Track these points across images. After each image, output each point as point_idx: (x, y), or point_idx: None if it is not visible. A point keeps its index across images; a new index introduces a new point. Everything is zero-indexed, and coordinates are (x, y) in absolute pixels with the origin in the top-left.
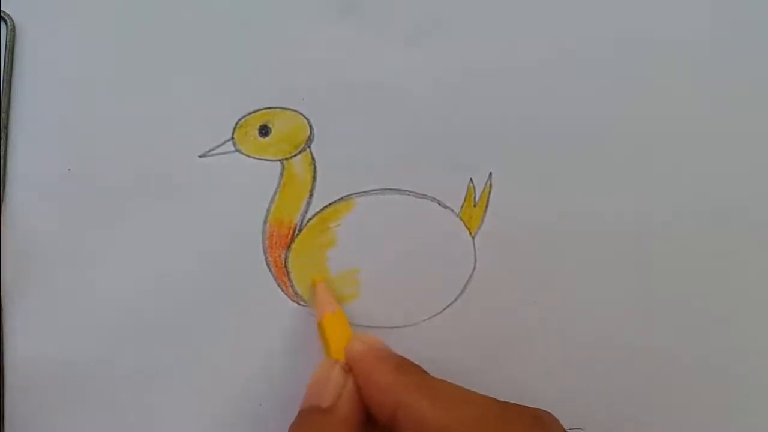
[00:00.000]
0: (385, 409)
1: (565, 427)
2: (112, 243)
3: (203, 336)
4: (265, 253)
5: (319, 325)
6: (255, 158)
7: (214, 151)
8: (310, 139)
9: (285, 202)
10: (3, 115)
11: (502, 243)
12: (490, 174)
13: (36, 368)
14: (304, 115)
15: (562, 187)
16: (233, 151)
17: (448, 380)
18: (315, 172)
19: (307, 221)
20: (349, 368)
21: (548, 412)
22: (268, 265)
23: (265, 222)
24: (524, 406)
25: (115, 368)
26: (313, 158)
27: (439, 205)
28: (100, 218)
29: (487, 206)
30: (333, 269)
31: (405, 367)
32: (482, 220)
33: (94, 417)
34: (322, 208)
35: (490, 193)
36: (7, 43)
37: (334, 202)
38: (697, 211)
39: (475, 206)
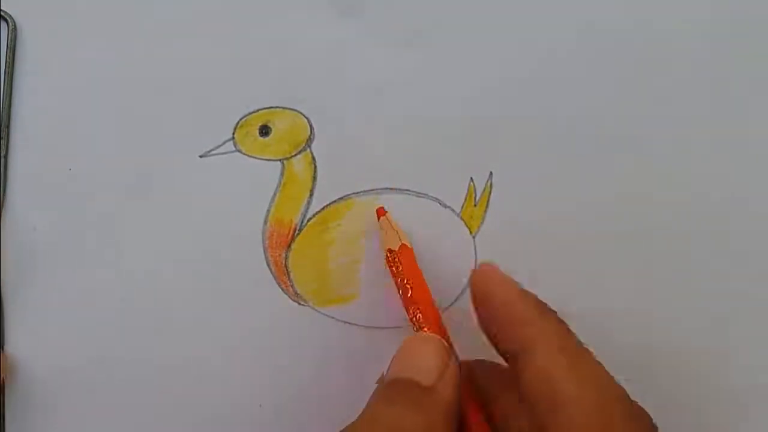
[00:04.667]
0: (514, 345)
1: None
2: (112, 243)
3: (203, 335)
4: (265, 253)
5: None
6: (255, 158)
7: (215, 151)
8: (310, 139)
9: (285, 201)
10: (3, 115)
11: (503, 243)
12: (491, 174)
13: (36, 367)
14: (304, 115)
15: (562, 187)
16: (233, 151)
17: None
18: (315, 171)
19: (308, 221)
20: (450, 347)
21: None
22: (268, 265)
23: (265, 222)
24: (644, 410)
25: (114, 368)
26: (313, 158)
27: (440, 204)
28: (100, 218)
29: (487, 206)
30: (333, 269)
31: (546, 307)
32: (483, 220)
33: (93, 417)
34: (322, 208)
35: (490, 192)
36: (8, 43)
37: (334, 201)
38: (698, 210)
39: (475, 206)
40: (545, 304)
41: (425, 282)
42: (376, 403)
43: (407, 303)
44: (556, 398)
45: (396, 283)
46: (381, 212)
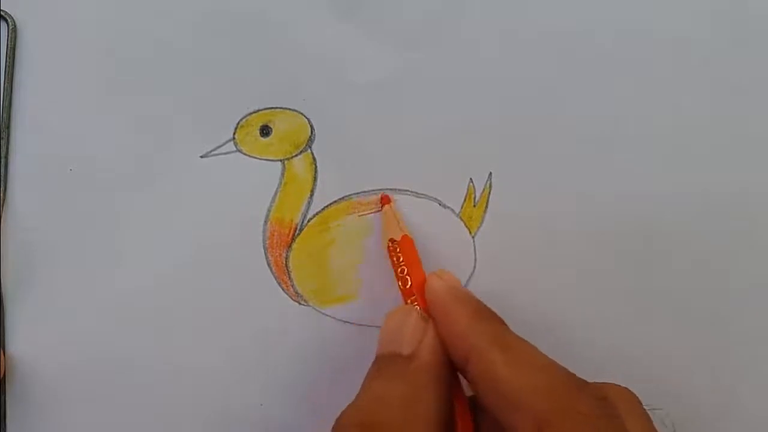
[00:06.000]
0: (459, 353)
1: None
2: (113, 243)
3: (203, 335)
4: (265, 253)
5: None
6: (256, 158)
7: (216, 152)
8: (311, 139)
9: (286, 201)
10: (3, 115)
11: (502, 243)
12: (490, 174)
13: (37, 368)
14: (304, 115)
15: (562, 187)
16: (234, 152)
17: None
18: (316, 172)
19: (308, 221)
20: (428, 315)
21: (625, 390)
22: (268, 265)
23: (265, 222)
24: (597, 385)
25: (114, 368)
26: (314, 158)
27: (439, 205)
28: (101, 218)
29: (487, 206)
30: (333, 269)
31: (483, 313)
32: (482, 220)
33: (94, 417)
34: (323, 208)
35: (490, 193)
36: (8, 43)
37: (335, 202)
38: (697, 210)
39: (475, 206)
40: (481, 309)
41: (425, 273)
42: (366, 381)
43: (405, 293)
44: (501, 390)
45: (396, 273)
46: (386, 200)
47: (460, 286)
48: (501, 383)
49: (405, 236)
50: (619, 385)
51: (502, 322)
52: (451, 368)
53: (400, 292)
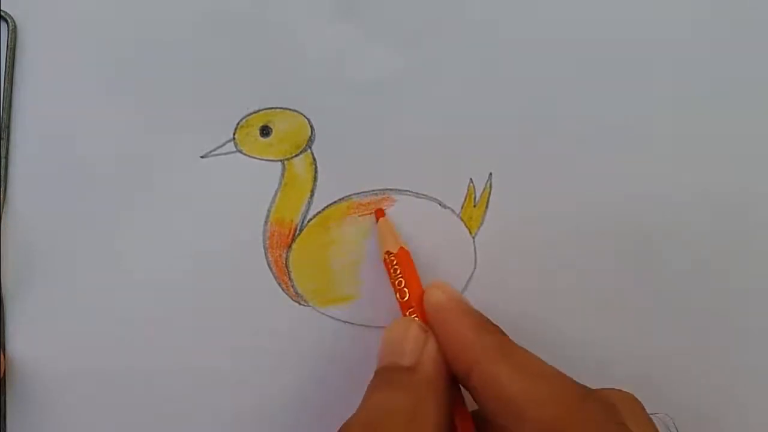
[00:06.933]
0: (462, 365)
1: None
2: (113, 243)
3: (203, 336)
4: (265, 253)
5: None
6: (256, 158)
7: (216, 152)
8: (311, 140)
9: (286, 202)
10: (3, 115)
11: (502, 243)
12: (490, 174)
13: (37, 368)
14: (304, 115)
15: (562, 188)
16: (234, 152)
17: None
18: (316, 172)
19: (308, 221)
20: (427, 327)
21: (628, 396)
22: (268, 265)
23: (265, 222)
24: (602, 392)
25: (115, 369)
26: (314, 158)
27: (440, 205)
28: (101, 218)
29: (487, 206)
30: (333, 269)
31: (486, 325)
32: (482, 220)
33: (94, 417)
34: (323, 208)
35: (490, 193)
36: (8, 43)
37: (335, 202)
38: (698, 210)
39: (475, 206)
40: (484, 321)
41: (422, 286)
42: (368, 393)
43: (404, 306)
44: (507, 401)
45: (393, 285)
46: (380, 214)
47: (461, 298)
48: (506, 394)
49: (402, 248)
50: (623, 391)
51: (504, 334)
52: (452, 379)
53: (398, 303)
